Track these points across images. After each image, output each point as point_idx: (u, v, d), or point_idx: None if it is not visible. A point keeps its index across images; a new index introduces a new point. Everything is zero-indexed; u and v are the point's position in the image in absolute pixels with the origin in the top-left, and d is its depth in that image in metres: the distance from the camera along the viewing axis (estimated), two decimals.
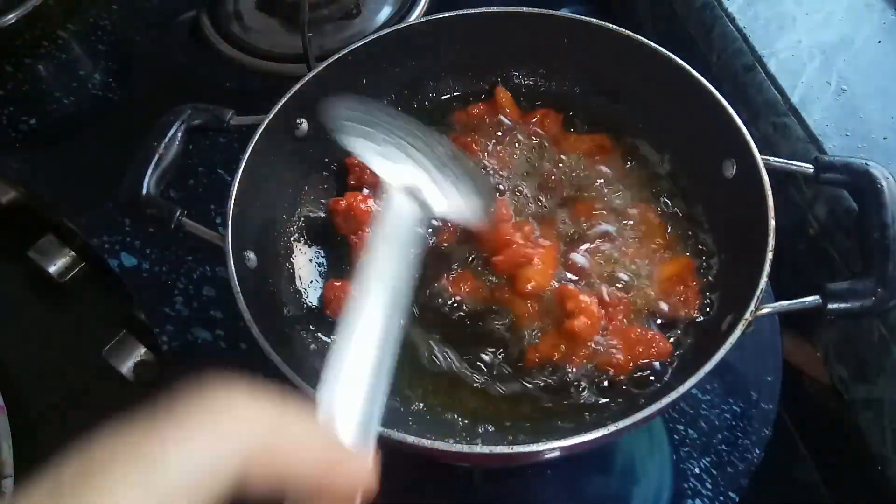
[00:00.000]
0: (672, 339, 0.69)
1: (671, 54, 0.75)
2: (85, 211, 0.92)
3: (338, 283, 0.73)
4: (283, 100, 0.74)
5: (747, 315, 0.58)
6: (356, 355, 0.44)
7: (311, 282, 0.77)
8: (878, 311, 0.64)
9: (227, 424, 0.34)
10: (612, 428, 0.54)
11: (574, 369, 0.68)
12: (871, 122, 0.78)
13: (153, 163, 0.70)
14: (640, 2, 1.10)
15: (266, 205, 0.76)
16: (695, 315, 0.70)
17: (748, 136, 0.67)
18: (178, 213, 0.68)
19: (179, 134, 0.72)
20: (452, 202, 0.61)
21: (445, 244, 0.75)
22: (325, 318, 0.73)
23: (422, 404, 0.68)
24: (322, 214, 0.81)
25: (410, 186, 0.58)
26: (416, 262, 0.52)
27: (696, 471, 0.71)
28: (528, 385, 0.68)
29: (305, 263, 0.78)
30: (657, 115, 0.80)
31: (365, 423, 0.42)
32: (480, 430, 0.66)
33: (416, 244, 0.54)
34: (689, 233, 0.76)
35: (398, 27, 0.82)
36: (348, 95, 0.82)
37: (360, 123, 0.61)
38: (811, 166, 0.67)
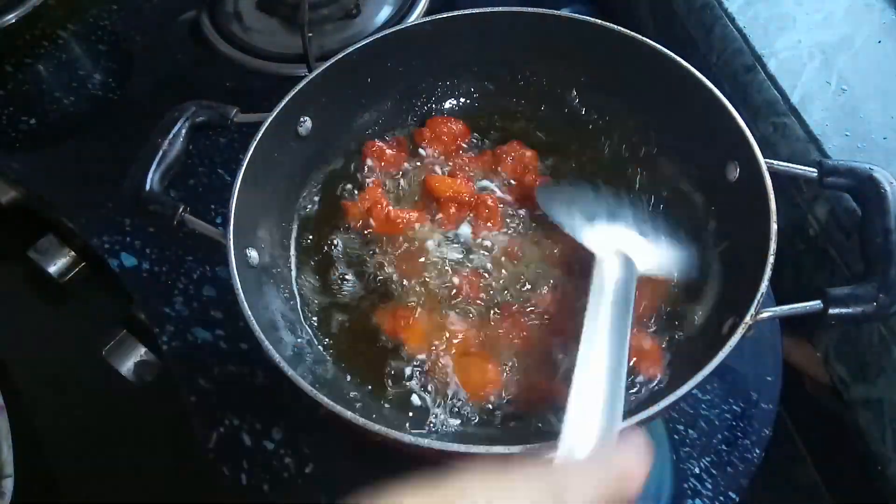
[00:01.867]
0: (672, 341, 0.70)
1: (674, 55, 0.75)
2: (85, 211, 0.92)
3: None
4: (288, 97, 0.74)
5: (747, 319, 0.58)
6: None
7: (313, 280, 0.77)
8: (880, 318, 0.64)
9: None
10: None
11: None
12: (871, 122, 0.78)
13: (157, 159, 0.70)
14: (640, 2, 1.10)
15: (268, 203, 0.76)
16: None
17: (752, 140, 0.67)
18: (180, 210, 0.68)
19: (183, 130, 0.72)
20: (654, 258, 0.67)
21: None
22: (327, 316, 0.74)
23: None
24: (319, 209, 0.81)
25: (617, 249, 0.63)
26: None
27: (696, 471, 0.71)
28: None
29: (307, 262, 0.78)
30: (659, 117, 0.80)
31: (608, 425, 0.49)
32: None
33: (630, 301, 0.58)
34: (689, 233, 0.76)
35: (400, 27, 0.82)
36: (355, 95, 0.83)
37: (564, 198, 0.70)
38: (815, 170, 0.66)
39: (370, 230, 0.78)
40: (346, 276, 0.76)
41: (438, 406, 0.67)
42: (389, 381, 0.69)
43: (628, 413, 0.55)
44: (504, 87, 0.88)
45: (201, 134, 0.74)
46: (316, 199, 0.82)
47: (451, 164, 0.83)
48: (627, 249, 0.65)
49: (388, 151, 0.84)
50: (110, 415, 0.88)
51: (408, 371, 0.69)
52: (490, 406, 0.67)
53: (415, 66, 0.85)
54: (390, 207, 0.78)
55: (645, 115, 0.82)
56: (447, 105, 0.89)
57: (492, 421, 0.67)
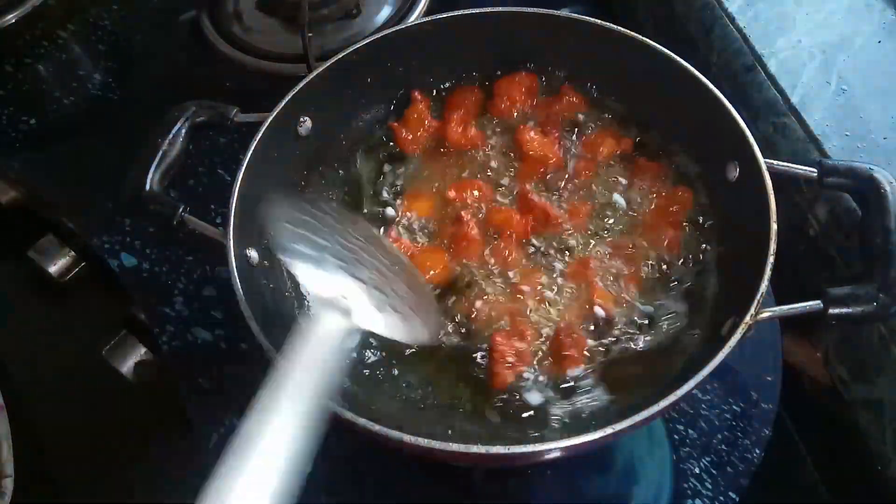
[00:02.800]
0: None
1: (674, 55, 0.75)
2: (85, 211, 0.92)
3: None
4: (288, 97, 0.75)
5: (747, 319, 0.58)
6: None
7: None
8: (880, 318, 0.64)
9: None
10: (611, 429, 0.54)
11: None
12: (871, 122, 0.78)
13: (157, 159, 0.70)
14: (640, 2, 1.10)
15: (267, 203, 0.76)
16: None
17: (752, 140, 0.67)
18: (180, 210, 0.68)
19: (183, 130, 0.72)
20: (385, 318, 0.58)
21: None
22: None
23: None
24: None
25: (337, 299, 0.55)
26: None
27: (696, 471, 0.71)
28: None
29: None
30: (659, 117, 0.80)
31: None
32: None
33: (338, 359, 0.53)
34: (689, 234, 0.76)
35: (401, 27, 0.82)
36: (355, 95, 0.83)
37: (301, 227, 0.58)
38: (815, 170, 0.66)
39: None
40: None
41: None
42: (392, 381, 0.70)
43: (627, 413, 0.55)
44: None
45: (201, 134, 0.74)
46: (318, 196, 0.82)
47: (534, 117, 0.84)
48: (349, 303, 0.56)
49: (470, 100, 0.85)
50: (110, 415, 0.88)
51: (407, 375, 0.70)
52: None
53: (415, 66, 0.85)
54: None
55: (645, 115, 0.82)
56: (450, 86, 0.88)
57: None
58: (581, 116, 0.84)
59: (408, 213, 0.79)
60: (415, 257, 0.75)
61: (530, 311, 0.72)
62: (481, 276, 0.74)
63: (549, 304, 0.72)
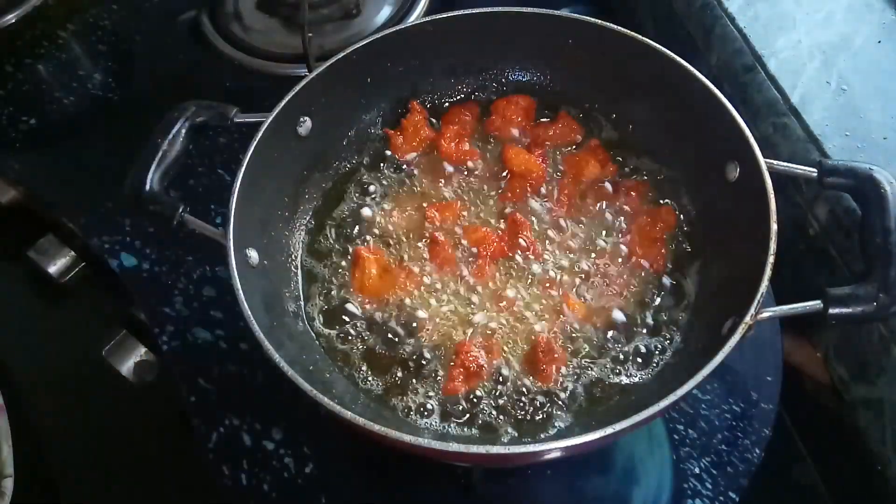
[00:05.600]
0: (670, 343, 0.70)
1: (674, 55, 0.75)
2: (85, 211, 0.92)
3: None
4: (287, 97, 0.75)
5: (748, 319, 0.58)
6: None
7: (316, 280, 0.77)
8: (880, 317, 0.64)
9: None
10: (611, 429, 0.54)
11: None
12: (871, 122, 0.78)
13: (157, 159, 0.70)
14: (640, 2, 1.10)
15: (267, 203, 0.76)
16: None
17: (752, 140, 0.67)
18: (180, 210, 0.68)
19: (183, 130, 0.72)
20: None
21: None
22: (330, 317, 0.74)
23: None
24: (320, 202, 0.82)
25: None
26: None
27: (696, 471, 0.71)
28: None
29: (310, 261, 0.78)
30: (659, 117, 0.80)
31: None
32: None
33: None
34: (688, 234, 0.76)
35: (401, 27, 0.82)
36: (355, 95, 0.83)
37: None
38: (815, 170, 0.66)
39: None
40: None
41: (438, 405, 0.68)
42: (393, 382, 0.70)
43: (629, 412, 0.55)
44: (504, 87, 0.88)
45: (201, 134, 0.74)
46: (316, 199, 0.82)
47: (528, 137, 0.85)
48: None
49: (466, 117, 0.86)
50: (110, 415, 0.88)
51: (412, 368, 0.70)
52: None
53: (415, 66, 0.85)
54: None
55: (645, 116, 0.82)
56: (447, 105, 0.89)
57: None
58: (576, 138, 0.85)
59: (385, 223, 0.80)
60: (386, 272, 0.76)
61: (507, 327, 0.72)
62: (455, 294, 0.75)
63: (527, 320, 0.73)
